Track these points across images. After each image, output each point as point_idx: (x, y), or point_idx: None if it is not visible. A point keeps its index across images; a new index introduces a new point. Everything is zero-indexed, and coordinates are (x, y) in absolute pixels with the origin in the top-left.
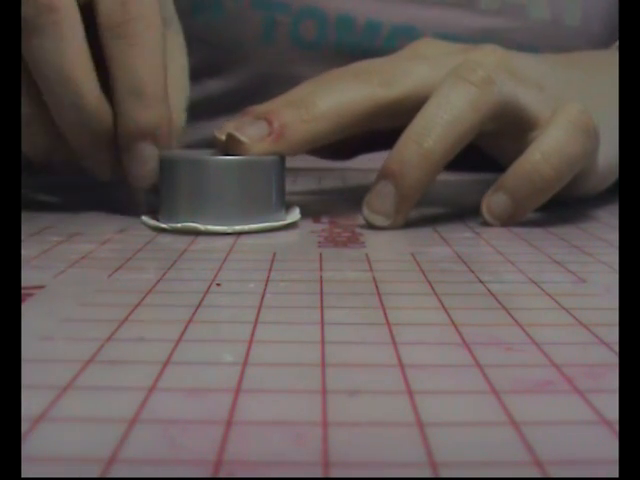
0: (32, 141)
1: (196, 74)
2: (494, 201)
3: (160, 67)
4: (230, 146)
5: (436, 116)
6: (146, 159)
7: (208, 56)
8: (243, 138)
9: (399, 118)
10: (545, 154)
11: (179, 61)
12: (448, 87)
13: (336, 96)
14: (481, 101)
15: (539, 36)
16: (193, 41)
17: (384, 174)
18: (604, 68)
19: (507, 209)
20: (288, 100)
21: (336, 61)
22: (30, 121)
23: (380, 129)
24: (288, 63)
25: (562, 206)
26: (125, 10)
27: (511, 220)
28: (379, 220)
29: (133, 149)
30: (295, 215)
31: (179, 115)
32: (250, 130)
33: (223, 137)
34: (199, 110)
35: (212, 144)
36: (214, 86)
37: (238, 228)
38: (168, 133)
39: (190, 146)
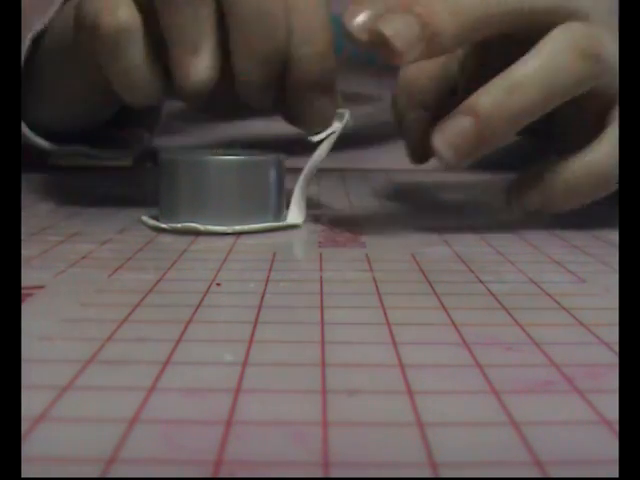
0: (203, 71)
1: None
2: (524, 194)
3: (326, 11)
4: (378, 49)
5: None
6: (320, 109)
7: None
8: (398, 43)
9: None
10: (586, 169)
11: None
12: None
13: None
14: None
15: None
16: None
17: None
18: None
19: (536, 204)
20: None
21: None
22: (207, 51)
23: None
24: None
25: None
26: None
27: (542, 211)
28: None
29: (305, 100)
30: (295, 217)
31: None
32: (401, 29)
33: (362, 35)
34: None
35: (232, 144)
36: None
37: (238, 228)
38: (334, 83)
39: (211, 145)
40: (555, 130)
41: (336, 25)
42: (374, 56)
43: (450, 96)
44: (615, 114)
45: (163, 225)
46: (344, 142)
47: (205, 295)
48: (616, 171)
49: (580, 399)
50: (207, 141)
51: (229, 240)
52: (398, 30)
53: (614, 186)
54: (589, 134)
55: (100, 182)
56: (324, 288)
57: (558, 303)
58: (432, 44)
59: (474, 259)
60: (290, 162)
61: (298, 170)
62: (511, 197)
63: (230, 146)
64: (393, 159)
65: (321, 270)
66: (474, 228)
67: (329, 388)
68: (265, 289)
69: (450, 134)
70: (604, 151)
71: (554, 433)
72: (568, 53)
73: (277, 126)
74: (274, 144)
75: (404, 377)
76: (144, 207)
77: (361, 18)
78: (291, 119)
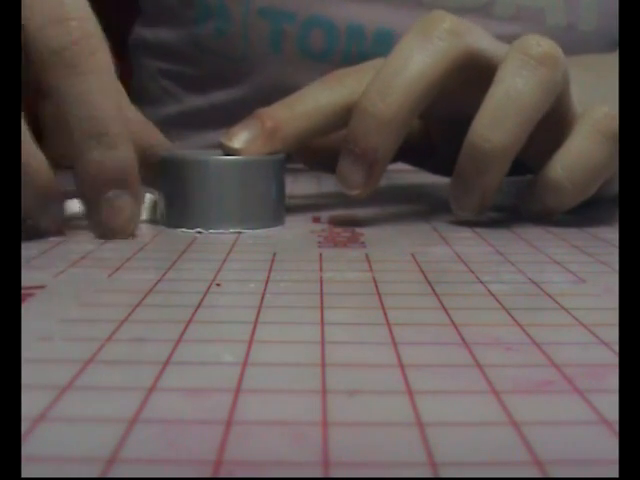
0: None
1: (201, 83)
2: (527, 205)
3: (117, 99)
4: (228, 152)
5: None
6: (120, 208)
7: (214, 65)
8: (236, 144)
9: None
10: (565, 168)
11: None
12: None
13: (320, 95)
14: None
15: (555, 41)
16: (198, 50)
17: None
18: (616, 70)
19: (539, 212)
20: (283, 101)
21: None
22: None
23: None
24: (296, 73)
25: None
26: (67, 33)
27: (548, 217)
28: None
29: (102, 199)
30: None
31: (156, 134)
32: (242, 134)
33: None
34: (205, 119)
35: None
36: (221, 96)
37: (238, 229)
38: (137, 176)
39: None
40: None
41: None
42: (368, 57)
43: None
44: (584, 118)
45: (163, 226)
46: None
47: (205, 295)
48: (605, 154)
49: (580, 399)
50: (203, 148)
51: (229, 240)
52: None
53: (610, 169)
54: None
55: None
56: (324, 288)
57: (558, 303)
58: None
59: (474, 259)
60: (290, 162)
61: (298, 170)
62: (520, 207)
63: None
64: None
65: (321, 270)
66: (474, 228)
67: (329, 388)
68: (265, 289)
69: (341, 172)
70: (581, 141)
71: (554, 433)
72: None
73: None
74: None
75: (404, 377)
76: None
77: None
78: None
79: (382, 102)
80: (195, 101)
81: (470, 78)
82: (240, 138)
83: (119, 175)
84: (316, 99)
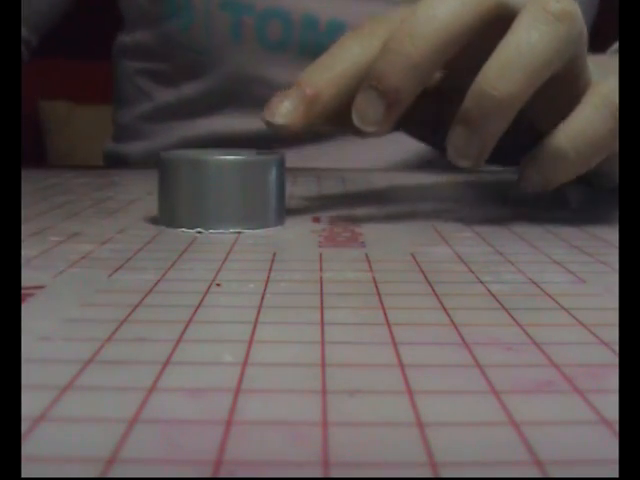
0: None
1: (171, 78)
2: (526, 176)
3: None
4: (275, 132)
5: None
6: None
7: (182, 60)
8: (278, 120)
9: None
10: (570, 137)
11: None
12: None
13: (355, 50)
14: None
15: None
16: (168, 46)
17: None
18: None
19: (538, 183)
20: (319, 61)
21: (302, 62)
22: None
23: None
24: (257, 64)
25: (562, 206)
26: None
27: (545, 189)
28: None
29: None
30: None
31: None
32: (283, 106)
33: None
34: (175, 112)
35: (189, 144)
36: (189, 89)
37: (238, 229)
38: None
39: (166, 147)
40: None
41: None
42: (323, 48)
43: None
44: (592, 90)
45: (163, 226)
46: (295, 140)
47: (205, 295)
48: (608, 129)
49: (580, 399)
50: (171, 142)
51: (229, 240)
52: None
53: (612, 146)
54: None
55: (100, 182)
56: (324, 288)
57: (558, 303)
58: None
59: (474, 259)
60: (290, 162)
61: (298, 170)
62: (519, 181)
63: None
64: (346, 157)
65: (321, 270)
66: (474, 228)
67: (329, 388)
68: (265, 289)
69: (359, 107)
70: (588, 112)
71: (554, 433)
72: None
73: (243, 123)
74: (241, 142)
75: (404, 377)
76: (144, 207)
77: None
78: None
79: (412, 45)
80: (166, 96)
81: (493, 31)
82: (281, 112)
83: None
84: (352, 54)
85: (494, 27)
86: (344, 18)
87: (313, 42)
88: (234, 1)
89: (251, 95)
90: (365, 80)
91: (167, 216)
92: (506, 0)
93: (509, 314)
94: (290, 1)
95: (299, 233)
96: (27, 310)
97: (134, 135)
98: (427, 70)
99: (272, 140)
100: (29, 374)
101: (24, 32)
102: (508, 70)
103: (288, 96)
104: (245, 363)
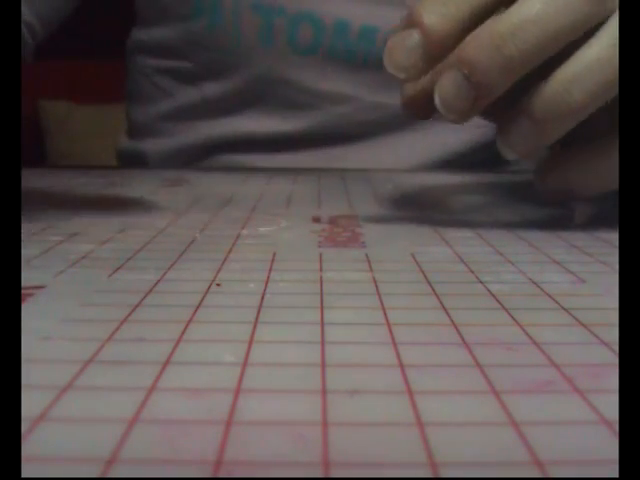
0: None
1: (194, 77)
2: (519, 124)
3: None
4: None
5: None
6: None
7: (207, 59)
8: (401, 75)
9: None
10: (572, 76)
11: None
12: None
13: None
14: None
15: None
16: (192, 45)
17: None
18: None
19: (528, 131)
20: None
21: (331, 66)
22: None
23: None
24: (285, 67)
25: (560, 205)
26: None
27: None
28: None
29: None
30: None
31: None
32: (402, 55)
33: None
34: (199, 111)
35: (211, 144)
36: (212, 89)
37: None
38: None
39: (188, 146)
40: None
41: (315, 22)
42: (353, 53)
43: None
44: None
45: None
46: (321, 142)
47: (205, 295)
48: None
49: (580, 399)
50: (192, 141)
51: (229, 240)
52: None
53: (615, 92)
54: None
55: (99, 182)
56: (324, 288)
57: (558, 303)
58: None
59: (474, 259)
60: (290, 162)
61: (298, 170)
62: (536, 182)
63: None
64: (372, 159)
65: (321, 270)
66: (474, 228)
67: (329, 388)
68: (265, 289)
69: (445, 91)
70: (594, 51)
71: (554, 433)
72: None
73: (268, 124)
74: (263, 143)
75: (404, 377)
76: (144, 207)
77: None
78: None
79: (515, 46)
80: (188, 95)
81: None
82: (401, 63)
83: None
84: None
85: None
86: (376, 24)
87: (343, 47)
88: (266, 3)
89: (276, 97)
90: (457, 65)
91: None
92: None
93: (509, 314)
94: (323, 5)
95: (299, 233)
96: (27, 310)
97: (154, 133)
98: (524, 70)
99: (295, 140)
100: (29, 374)
101: (26, 13)
102: (596, 80)
103: (405, 38)
104: (245, 363)
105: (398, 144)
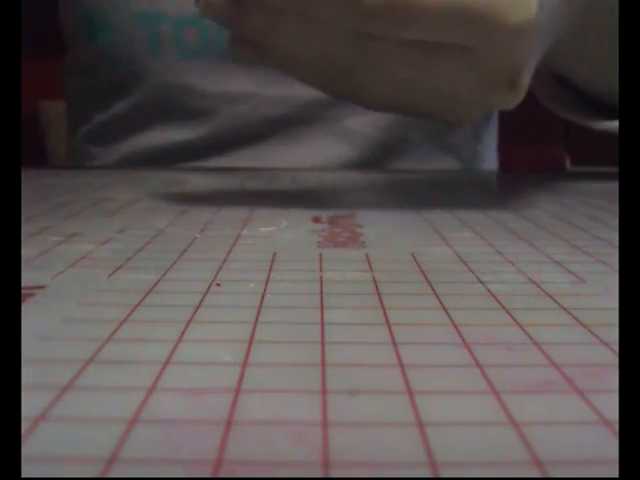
0: None
1: (103, 97)
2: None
3: None
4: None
5: None
6: None
7: (110, 77)
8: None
9: None
10: None
11: None
12: None
13: None
14: None
15: None
16: (97, 63)
17: None
18: None
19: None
20: None
21: (227, 65)
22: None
23: None
24: (182, 74)
25: (560, 205)
26: None
27: None
28: None
29: None
30: None
31: None
32: None
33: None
34: (112, 131)
35: (129, 162)
36: (122, 105)
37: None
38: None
39: (102, 166)
40: None
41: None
42: (202, 48)
43: None
44: None
45: None
46: (227, 143)
47: (205, 295)
48: None
49: (580, 399)
50: (141, 149)
51: (229, 240)
52: None
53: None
54: None
55: (100, 182)
56: (324, 288)
57: (558, 303)
58: None
59: (474, 259)
60: (290, 162)
61: (298, 170)
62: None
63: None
64: (278, 158)
65: (321, 270)
66: (474, 228)
67: (329, 388)
68: (265, 289)
69: None
70: None
71: (554, 433)
72: None
73: (178, 135)
74: (180, 154)
75: (404, 377)
76: (144, 207)
77: None
78: None
79: None
80: (102, 116)
81: None
82: None
83: None
84: None
85: None
86: None
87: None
88: (149, 11)
89: (178, 105)
90: None
91: None
92: None
93: (509, 314)
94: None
95: (299, 233)
96: (27, 310)
97: (83, 157)
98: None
99: (211, 147)
100: (29, 374)
101: None
102: None
103: None
104: (245, 363)
105: (305, 138)
